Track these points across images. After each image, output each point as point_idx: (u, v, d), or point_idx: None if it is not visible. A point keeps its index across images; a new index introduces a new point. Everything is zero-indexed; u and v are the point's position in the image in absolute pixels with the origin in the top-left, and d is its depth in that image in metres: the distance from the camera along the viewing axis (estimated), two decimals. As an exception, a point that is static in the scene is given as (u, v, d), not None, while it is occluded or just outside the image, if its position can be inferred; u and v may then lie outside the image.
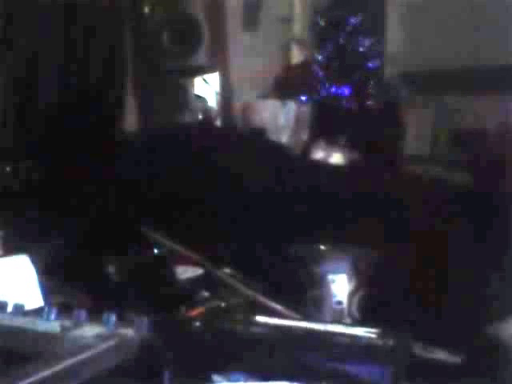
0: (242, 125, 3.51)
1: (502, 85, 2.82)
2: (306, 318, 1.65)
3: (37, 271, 1.68)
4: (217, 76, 3.69)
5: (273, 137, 3.25)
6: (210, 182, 2.38)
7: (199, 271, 1.97)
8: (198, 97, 3.55)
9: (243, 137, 3.08)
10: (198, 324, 1.38)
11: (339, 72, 4.31)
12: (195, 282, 1.92)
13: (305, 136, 3.65)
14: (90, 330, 1.25)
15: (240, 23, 4.00)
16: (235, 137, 3.05)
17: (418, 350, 1.54)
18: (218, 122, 3.67)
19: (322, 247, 1.95)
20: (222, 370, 1.30)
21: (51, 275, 1.77)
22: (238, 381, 1.28)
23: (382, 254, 1.94)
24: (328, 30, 4.42)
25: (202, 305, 1.65)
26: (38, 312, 1.30)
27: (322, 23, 4.43)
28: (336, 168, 3.01)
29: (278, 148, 3.00)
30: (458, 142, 3.84)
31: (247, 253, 2.08)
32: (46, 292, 1.66)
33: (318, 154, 3.38)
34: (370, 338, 1.30)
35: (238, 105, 3.72)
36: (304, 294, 1.86)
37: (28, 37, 2.86)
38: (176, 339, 1.33)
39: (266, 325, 1.37)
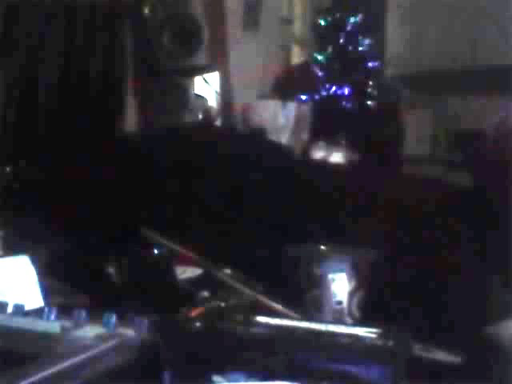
0: (242, 125, 3.51)
1: (502, 85, 2.83)
2: (306, 317, 1.64)
3: (37, 271, 1.68)
4: (217, 76, 3.69)
5: (273, 137, 3.25)
6: (210, 182, 2.38)
7: (199, 271, 1.97)
8: (198, 97, 3.55)
9: (243, 137, 3.08)
10: (197, 324, 1.38)
11: (339, 72, 4.32)
12: (195, 282, 1.92)
13: (305, 136, 3.65)
14: (90, 330, 1.25)
15: (240, 23, 4.01)
16: (235, 137, 3.05)
17: (418, 350, 1.54)
18: (218, 122, 3.68)
19: (322, 247, 1.95)
20: (222, 369, 1.30)
21: (51, 275, 1.77)
22: (237, 381, 1.28)
23: (381, 254, 1.93)
24: (328, 30, 4.43)
25: (201, 305, 1.65)
26: (38, 312, 1.30)
27: (322, 23, 4.44)
28: (336, 168, 3.01)
29: (278, 148, 3.00)
30: (458, 142, 3.84)
31: (247, 253, 2.08)
32: (46, 292, 1.66)
33: (318, 154, 3.39)
34: (370, 337, 1.30)
35: (238, 105, 3.73)
36: (304, 294, 1.86)
37: (28, 37, 2.86)
38: (176, 339, 1.33)
39: (266, 325, 1.37)
